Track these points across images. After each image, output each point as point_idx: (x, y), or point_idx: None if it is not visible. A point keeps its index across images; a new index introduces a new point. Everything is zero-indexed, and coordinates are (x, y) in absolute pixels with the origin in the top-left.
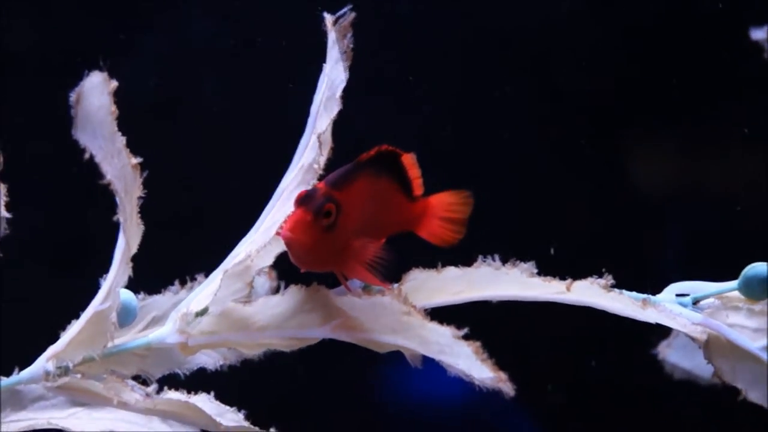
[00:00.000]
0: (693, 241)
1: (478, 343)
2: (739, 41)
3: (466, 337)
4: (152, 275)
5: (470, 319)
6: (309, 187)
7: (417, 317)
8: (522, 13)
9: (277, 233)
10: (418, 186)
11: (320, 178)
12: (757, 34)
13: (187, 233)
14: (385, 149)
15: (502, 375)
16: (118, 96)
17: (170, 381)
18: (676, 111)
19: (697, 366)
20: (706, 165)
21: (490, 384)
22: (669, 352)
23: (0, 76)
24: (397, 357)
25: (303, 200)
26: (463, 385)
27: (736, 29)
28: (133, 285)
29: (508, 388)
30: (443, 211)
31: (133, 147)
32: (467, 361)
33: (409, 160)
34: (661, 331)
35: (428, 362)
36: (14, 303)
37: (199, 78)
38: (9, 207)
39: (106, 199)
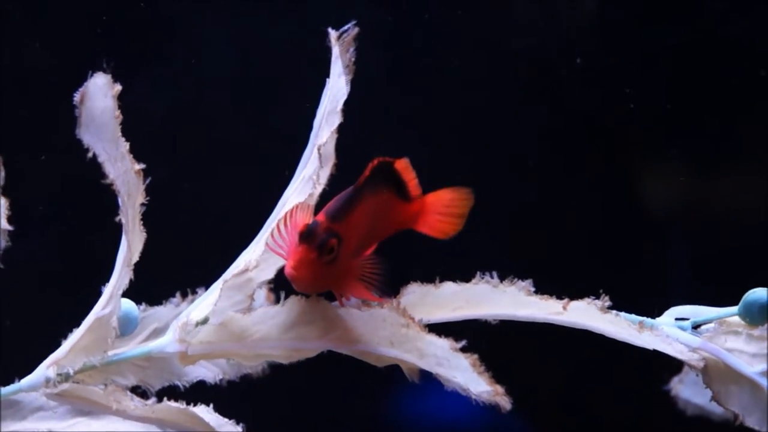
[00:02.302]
0: (701, 262)
1: (475, 356)
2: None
3: (464, 350)
4: (155, 287)
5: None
6: (306, 197)
7: (415, 329)
8: (529, 25)
9: (270, 248)
10: (414, 187)
11: (322, 196)
12: None
13: (190, 246)
14: (378, 163)
15: (499, 388)
16: (128, 110)
17: (170, 394)
18: (684, 128)
19: (711, 402)
20: (716, 184)
21: (486, 398)
22: (681, 388)
23: (16, 96)
24: (401, 376)
25: (305, 236)
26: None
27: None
28: (136, 296)
29: (504, 402)
30: (442, 207)
31: (141, 159)
32: (464, 374)
33: (402, 164)
34: (673, 366)
35: (433, 388)
36: (19, 315)
37: (206, 93)
38: (12, 220)
39: (115, 212)
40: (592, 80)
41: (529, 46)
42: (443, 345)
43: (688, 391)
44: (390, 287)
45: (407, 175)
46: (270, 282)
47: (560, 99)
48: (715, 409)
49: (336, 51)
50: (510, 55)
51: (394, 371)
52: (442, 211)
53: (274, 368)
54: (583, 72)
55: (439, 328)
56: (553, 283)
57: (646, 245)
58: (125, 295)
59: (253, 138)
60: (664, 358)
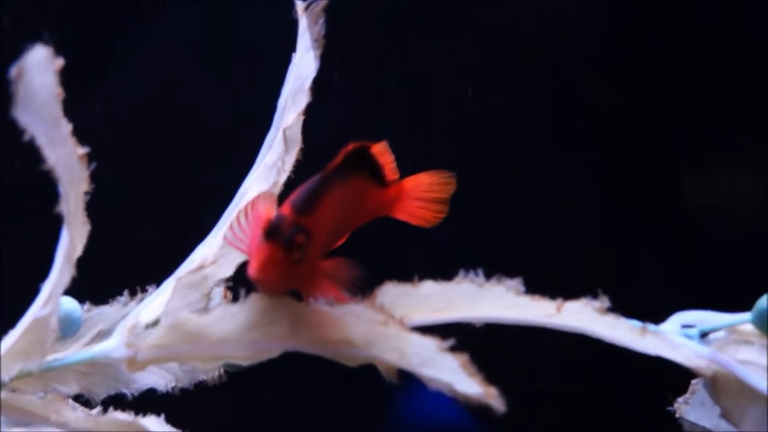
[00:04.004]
0: (710, 263)
1: (465, 356)
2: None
3: (452, 350)
4: (100, 285)
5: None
6: (270, 186)
7: (395, 327)
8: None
9: (228, 242)
10: (390, 171)
11: (287, 184)
12: None
13: (140, 239)
14: (352, 150)
15: (493, 390)
16: (75, 93)
17: (116, 403)
18: (696, 125)
19: (719, 425)
20: (727, 182)
21: (478, 400)
22: (687, 410)
23: None
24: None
25: (271, 233)
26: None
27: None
28: (79, 294)
29: (499, 404)
30: (421, 192)
31: (86, 143)
32: (453, 375)
33: (379, 148)
34: (679, 386)
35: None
36: None
37: (159, 73)
38: None
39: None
40: (598, 71)
41: (534, 33)
42: (428, 344)
43: (694, 413)
44: (362, 290)
45: (384, 158)
46: (228, 279)
47: (563, 83)
48: None
49: (303, 23)
50: (515, 41)
51: (366, 372)
52: (421, 196)
53: (231, 375)
54: (590, 62)
55: (419, 332)
56: (549, 286)
57: (650, 245)
58: (67, 292)
59: (210, 121)
60: (668, 376)
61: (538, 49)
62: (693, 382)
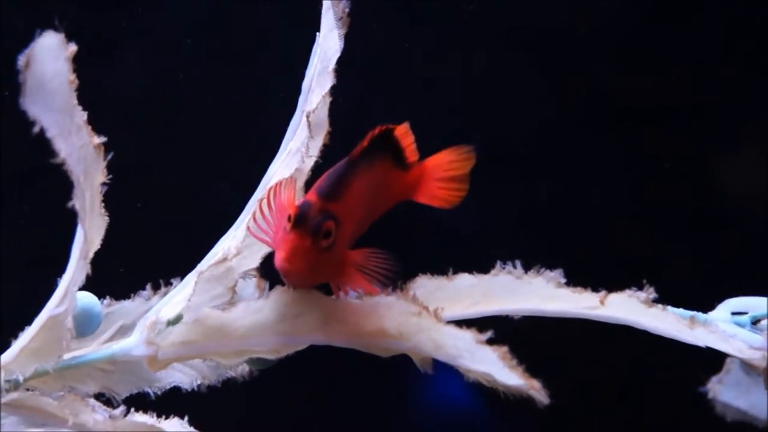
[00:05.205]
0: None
1: (504, 348)
2: None
3: (490, 342)
4: (122, 278)
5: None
6: (292, 172)
7: (429, 319)
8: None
9: (250, 232)
10: (411, 152)
11: (314, 170)
12: None
13: (164, 229)
14: (378, 133)
15: (535, 383)
16: (103, 88)
17: (139, 401)
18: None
19: (754, 405)
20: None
21: (519, 392)
22: (721, 390)
23: None
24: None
25: (298, 221)
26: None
27: None
28: (100, 289)
29: (542, 396)
30: (442, 171)
31: (114, 138)
32: (492, 367)
33: (401, 130)
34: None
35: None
36: None
37: (178, 56)
38: None
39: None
40: (629, 60)
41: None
42: (465, 336)
43: (728, 393)
44: (394, 282)
45: (405, 140)
46: (258, 270)
47: (596, 78)
48: (761, 414)
49: (327, 1)
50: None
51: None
52: (442, 176)
53: (261, 370)
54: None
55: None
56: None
57: (694, 232)
58: (87, 288)
59: (233, 105)
60: (700, 355)
61: (562, 39)
62: (728, 360)
